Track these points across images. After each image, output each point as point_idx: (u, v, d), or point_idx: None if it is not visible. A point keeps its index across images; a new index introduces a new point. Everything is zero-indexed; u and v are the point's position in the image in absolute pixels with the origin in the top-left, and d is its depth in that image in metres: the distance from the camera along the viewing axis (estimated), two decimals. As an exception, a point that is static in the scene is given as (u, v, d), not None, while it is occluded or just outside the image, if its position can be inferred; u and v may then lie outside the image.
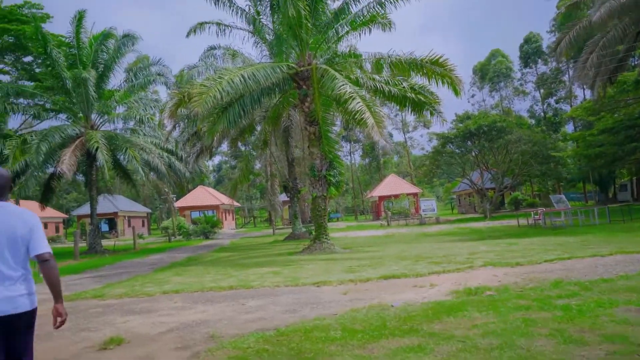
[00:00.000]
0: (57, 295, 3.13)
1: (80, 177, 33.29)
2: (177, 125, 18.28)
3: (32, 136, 21.77)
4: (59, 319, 3.13)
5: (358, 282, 8.61)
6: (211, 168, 75.52)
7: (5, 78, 33.32)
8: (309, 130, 15.28)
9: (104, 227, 47.02)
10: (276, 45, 16.46)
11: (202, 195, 47.51)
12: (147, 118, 24.26)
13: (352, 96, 12.52)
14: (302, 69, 15.06)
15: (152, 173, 24.64)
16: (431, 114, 16.10)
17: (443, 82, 14.49)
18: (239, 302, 7.56)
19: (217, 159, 77.19)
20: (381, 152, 64.77)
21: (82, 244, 36.18)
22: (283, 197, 37.21)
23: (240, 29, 17.30)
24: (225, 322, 6.20)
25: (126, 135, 24.76)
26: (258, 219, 67.97)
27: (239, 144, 29.56)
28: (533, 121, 59.35)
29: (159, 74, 25.03)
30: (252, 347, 4.82)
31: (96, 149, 21.13)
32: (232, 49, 21.76)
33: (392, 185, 48.84)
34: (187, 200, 46.55)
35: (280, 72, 14.15)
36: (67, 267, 16.30)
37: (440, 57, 13.89)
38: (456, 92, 14.31)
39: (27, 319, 3.03)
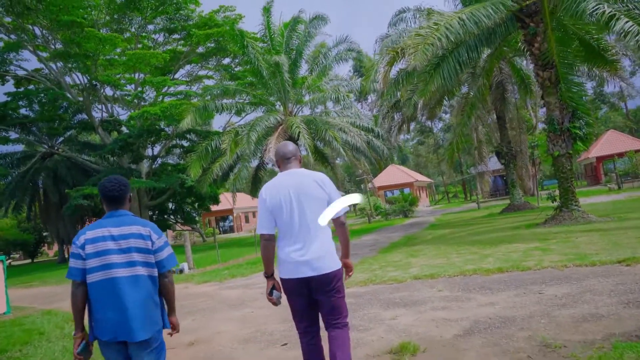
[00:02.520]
0: (348, 252, 3.30)
1: (276, 168, 34.87)
2: (381, 94, 17.05)
3: (242, 128, 22.78)
4: (350, 273, 3.31)
5: (694, 260, 6.06)
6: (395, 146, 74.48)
7: (210, 82, 36.54)
8: (541, 77, 12.57)
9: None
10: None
11: (395, 174, 46.44)
12: (343, 96, 23.63)
13: (614, 15, 9.58)
14: (527, 2, 12.37)
15: (350, 153, 24.05)
16: None
17: None
18: (530, 289, 5.70)
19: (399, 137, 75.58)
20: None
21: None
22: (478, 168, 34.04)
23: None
24: (544, 321, 4.40)
25: (323, 118, 24.59)
26: (449, 194, 64.83)
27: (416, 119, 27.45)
28: None
29: (349, 50, 24.25)
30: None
31: (298, 134, 21.15)
32: (424, 8, 19.76)
33: (612, 142, 41.52)
34: (381, 179, 45.87)
35: (502, 10, 11.71)
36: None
37: None
38: None
39: (332, 279, 3.07)
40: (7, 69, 30.38)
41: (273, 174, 56.51)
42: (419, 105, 16.79)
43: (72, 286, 2.74)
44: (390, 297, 6.40)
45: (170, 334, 2.96)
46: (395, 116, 22.28)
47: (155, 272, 2.78)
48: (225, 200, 46.87)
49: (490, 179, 45.15)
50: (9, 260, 39.28)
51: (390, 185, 45.50)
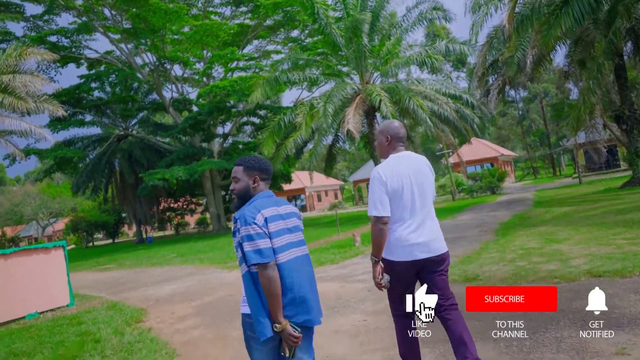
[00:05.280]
0: None
1: (346, 146, 32.88)
2: (508, 38, 14.54)
3: (317, 100, 20.98)
4: None
5: None
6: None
7: (278, 57, 35.00)
8: None
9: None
10: None
11: (477, 148, 42.88)
12: (430, 60, 21.03)
13: None
14: None
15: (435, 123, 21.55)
16: None
17: None
18: None
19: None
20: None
21: (361, 209, 36.04)
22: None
23: None
24: None
25: (405, 85, 22.26)
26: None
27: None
28: None
29: (435, 9, 21.55)
30: None
31: (379, 102, 19.06)
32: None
33: None
34: (461, 154, 42.68)
35: None
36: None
37: None
38: None
39: (444, 261, 3.13)
40: (81, 52, 30.39)
41: (344, 152, 54.85)
42: (528, 61, 14.10)
43: (268, 270, 2.41)
44: (577, 306, 4.31)
45: None
46: (490, 80, 19.50)
47: None
48: (297, 179, 45.77)
49: (582, 150, 40.66)
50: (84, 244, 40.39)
51: (472, 160, 42.25)
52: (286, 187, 39.43)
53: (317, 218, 32.00)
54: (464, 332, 2.97)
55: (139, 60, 31.24)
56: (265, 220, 2.46)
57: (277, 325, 2.39)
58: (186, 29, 28.11)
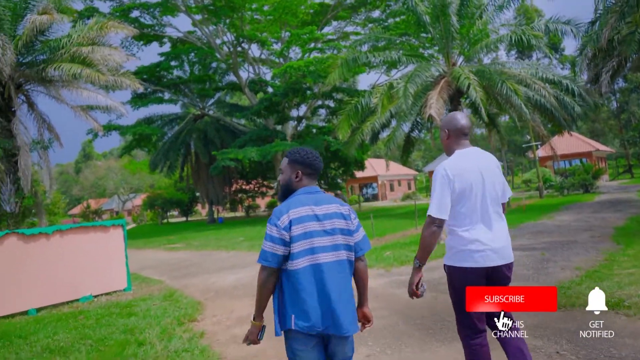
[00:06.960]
0: None
1: (419, 134, 31.06)
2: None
3: (397, 82, 19.50)
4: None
5: None
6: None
7: (356, 39, 33.64)
8: None
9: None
10: None
11: (568, 141, 39.31)
12: (527, 38, 18.85)
13: None
14: None
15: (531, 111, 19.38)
16: None
17: None
18: None
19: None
20: None
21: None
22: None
23: None
24: None
25: (497, 68, 20.22)
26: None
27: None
28: None
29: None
30: None
31: (468, 86, 17.28)
32: None
33: None
34: (548, 148, 39.40)
35: None
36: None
37: None
38: None
39: (510, 271, 2.82)
40: (164, 31, 30.63)
41: (421, 141, 52.64)
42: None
43: (264, 272, 2.36)
44: None
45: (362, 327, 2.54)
46: (600, 63, 17.09)
47: (353, 256, 2.47)
48: (369, 167, 44.47)
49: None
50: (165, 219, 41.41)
51: (562, 155, 38.74)
52: (358, 174, 38.25)
53: (391, 208, 30.58)
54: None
55: (218, 42, 31.11)
56: (290, 222, 2.34)
57: (252, 320, 2.44)
58: (266, 8, 27.49)
